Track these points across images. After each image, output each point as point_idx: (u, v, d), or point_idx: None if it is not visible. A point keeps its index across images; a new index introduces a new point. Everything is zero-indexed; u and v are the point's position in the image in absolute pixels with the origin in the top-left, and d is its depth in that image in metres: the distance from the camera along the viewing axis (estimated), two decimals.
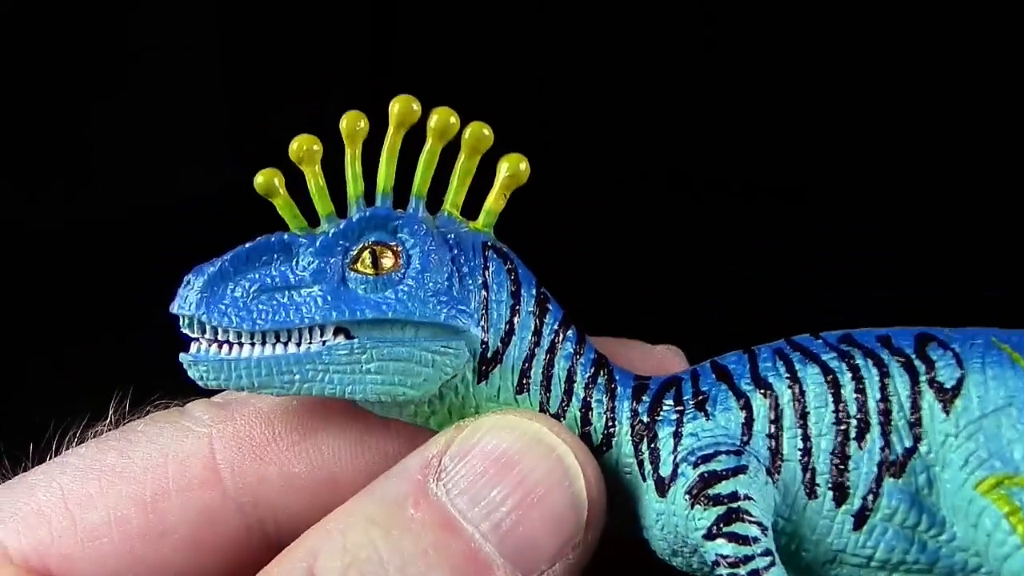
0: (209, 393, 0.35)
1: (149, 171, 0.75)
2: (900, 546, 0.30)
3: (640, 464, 0.31)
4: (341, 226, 0.31)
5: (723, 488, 0.29)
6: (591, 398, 0.31)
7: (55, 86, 0.77)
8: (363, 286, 0.31)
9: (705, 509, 0.29)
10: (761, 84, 0.76)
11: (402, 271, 0.31)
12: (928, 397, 0.30)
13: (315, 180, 0.32)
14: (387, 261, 0.31)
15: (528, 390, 0.31)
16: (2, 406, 0.39)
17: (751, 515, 0.29)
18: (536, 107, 0.76)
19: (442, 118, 0.31)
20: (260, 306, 0.31)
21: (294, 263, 0.31)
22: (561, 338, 0.32)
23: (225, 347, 0.31)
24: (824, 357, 0.31)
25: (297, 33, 0.76)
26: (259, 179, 0.31)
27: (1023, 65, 0.74)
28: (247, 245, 0.31)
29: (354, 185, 0.32)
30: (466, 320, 0.31)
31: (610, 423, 0.31)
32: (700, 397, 0.31)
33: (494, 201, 0.32)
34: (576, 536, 0.29)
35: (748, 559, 0.29)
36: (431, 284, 0.31)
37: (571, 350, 0.32)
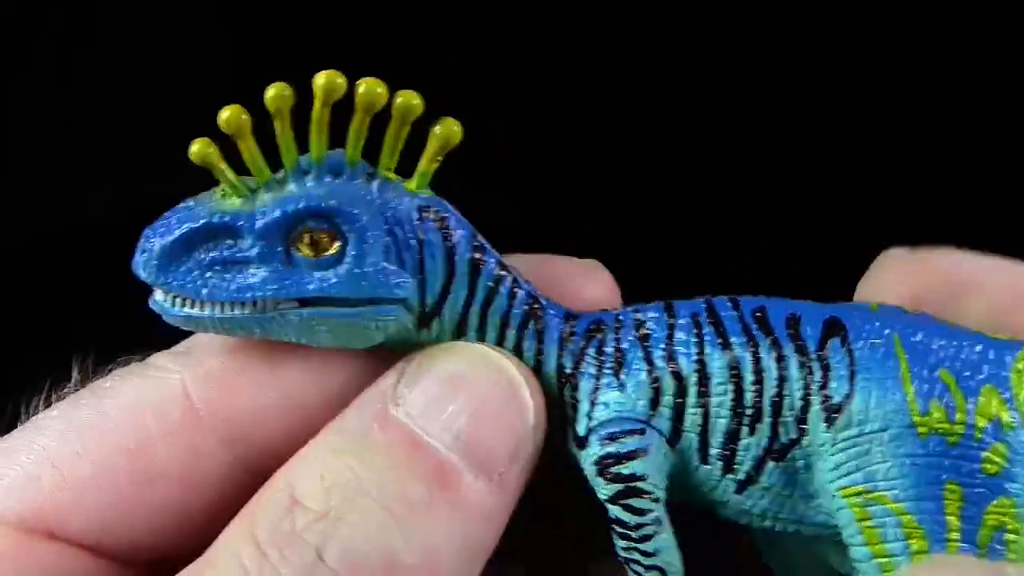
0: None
1: (148, 171, 0.75)
2: (773, 506, 0.36)
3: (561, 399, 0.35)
4: (276, 213, 0.33)
5: (623, 469, 0.34)
6: (522, 342, 0.35)
7: (55, 86, 0.77)
8: (307, 264, 0.33)
9: (607, 484, 0.35)
10: (762, 84, 0.76)
11: (341, 251, 0.33)
12: (816, 407, 0.35)
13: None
14: (326, 243, 0.33)
15: (465, 335, 0.35)
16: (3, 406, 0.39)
17: (646, 491, 0.34)
18: (536, 107, 0.76)
19: (369, 88, 0.33)
20: (212, 280, 0.33)
21: (239, 242, 0.33)
22: (494, 290, 0.35)
23: (188, 304, 0.33)
24: (733, 341, 0.35)
25: (298, 35, 0.76)
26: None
27: (1023, 65, 0.74)
28: (193, 226, 0.34)
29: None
30: (404, 289, 0.33)
31: (538, 366, 0.35)
32: (618, 355, 0.35)
33: (426, 164, 0.34)
34: (526, 438, 0.33)
35: (640, 526, 0.34)
36: (370, 260, 0.33)
37: (504, 302, 0.35)
